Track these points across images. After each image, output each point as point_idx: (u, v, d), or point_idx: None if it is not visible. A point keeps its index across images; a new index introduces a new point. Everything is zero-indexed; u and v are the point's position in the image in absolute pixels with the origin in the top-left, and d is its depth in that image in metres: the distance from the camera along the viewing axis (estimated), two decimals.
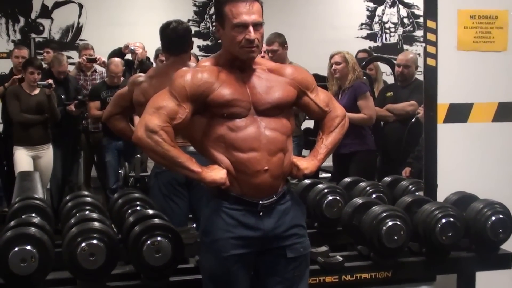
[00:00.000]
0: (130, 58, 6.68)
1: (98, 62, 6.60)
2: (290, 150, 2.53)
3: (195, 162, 2.41)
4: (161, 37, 3.60)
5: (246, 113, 2.44)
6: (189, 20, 8.64)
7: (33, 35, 8.06)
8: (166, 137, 2.35)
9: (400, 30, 9.55)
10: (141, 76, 3.54)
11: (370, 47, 9.23)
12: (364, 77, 5.31)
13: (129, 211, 3.24)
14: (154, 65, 6.14)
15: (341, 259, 3.01)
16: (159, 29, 3.61)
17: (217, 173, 2.41)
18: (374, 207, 3.06)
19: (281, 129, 2.47)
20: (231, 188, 2.43)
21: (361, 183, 3.72)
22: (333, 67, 5.05)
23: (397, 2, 9.56)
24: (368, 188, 3.63)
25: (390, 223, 2.94)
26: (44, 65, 6.27)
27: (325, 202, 3.41)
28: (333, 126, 2.63)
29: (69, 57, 6.70)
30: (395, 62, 5.80)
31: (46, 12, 8.28)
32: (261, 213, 2.45)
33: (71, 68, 6.70)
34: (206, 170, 2.41)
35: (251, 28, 2.37)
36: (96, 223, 2.67)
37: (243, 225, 2.44)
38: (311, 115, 2.71)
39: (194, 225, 3.62)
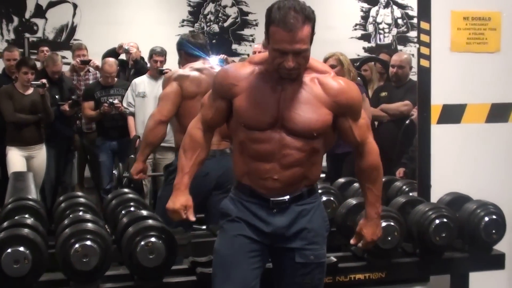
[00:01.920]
0: (124, 58, 6.69)
1: (92, 65, 6.57)
2: (316, 162, 2.49)
3: (183, 178, 2.53)
4: (191, 45, 3.77)
5: (266, 127, 2.40)
6: (183, 20, 8.64)
7: (27, 35, 8.04)
8: (187, 141, 2.57)
9: (394, 31, 9.57)
10: (185, 69, 3.68)
11: (364, 48, 9.25)
12: (359, 78, 5.31)
13: (123, 212, 3.24)
14: (148, 65, 6.14)
15: (335, 259, 3.00)
16: (185, 42, 3.81)
17: (173, 202, 2.51)
18: None
19: (302, 148, 2.40)
20: (247, 181, 2.48)
21: (355, 184, 3.72)
22: None
23: (391, 3, 9.57)
24: None
25: (383, 224, 2.93)
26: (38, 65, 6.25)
27: None
28: (373, 176, 2.54)
29: (63, 57, 6.67)
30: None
31: (40, 12, 8.26)
32: (275, 210, 2.46)
33: (65, 68, 6.68)
34: (175, 191, 2.52)
35: (290, 57, 2.28)
36: (89, 224, 2.66)
37: (254, 215, 2.47)
38: (342, 137, 2.54)
39: (204, 227, 3.67)
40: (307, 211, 2.49)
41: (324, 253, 2.55)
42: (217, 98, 2.51)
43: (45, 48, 6.99)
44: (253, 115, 2.40)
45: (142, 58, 6.52)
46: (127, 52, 6.51)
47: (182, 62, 3.91)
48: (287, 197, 2.45)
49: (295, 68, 2.31)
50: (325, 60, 5.09)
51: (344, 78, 2.53)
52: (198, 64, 3.70)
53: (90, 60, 6.56)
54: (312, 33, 2.34)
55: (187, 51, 3.81)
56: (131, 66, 6.52)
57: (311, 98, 2.39)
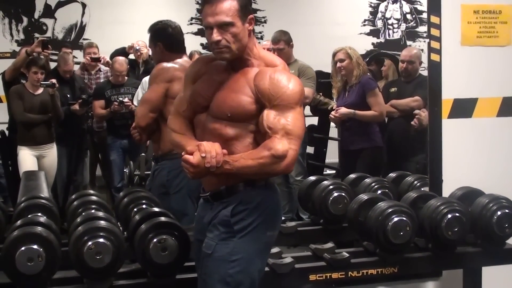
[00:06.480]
0: (133, 57, 6.70)
1: (102, 61, 6.59)
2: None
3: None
4: (167, 37, 3.64)
5: (201, 110, 2.48)
6: (192, 18, 8.65)
7: (36, 35, 8.08)
8: (174, 136, 2.53)
9: (403, 26, 9.55)
10: (177, 71, 3.55)
11: (373, 43, 9.24)
12: (368, 73, 5.30)
13: (135, 209, 3.25)
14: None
15: (347, 255, 3.01)
16: (157, 30, 3.65)
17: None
18: (379, 203, 3.06)
19: (215, 133, 2.38)
20: None
21: (366, 179, 3.72)
22: (337, 65, 5.04)
23: None
24: (373, 184, 3.63)
25: (396, 219, 2.94)
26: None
27: (331, 198, 3.42)
28: (258, 155, 2.29)
29: (73, 56, 6.69)
30: (398, 58, 5.79)
31: (49, 12, 8.30)
32: (214, 204, 2.46)
33: (76, 67, 6.71)
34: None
35: (214, 30, 2.35)
36: (102, 222, 2.67)
37: (199, 213, 2.57)
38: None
39: None
40: (223, 205, 2.43)
41: (213, 246, 2.40)
42: (189, 85, 2.55)
43: (69, 50, 6.98)
44: (194, 95, 2.49)
45: (150, 57, 6.53)
46: (137, 51, 6.53)
47: (156, 56, 3.72)
48: (208, 193, 2.46)
49: (223, 44, 2.35)
50: (334, 54, 5.10)
51: (282, 70, 2.39)
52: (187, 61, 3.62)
53: (100, 57, 6.56)
54: (243, 10, 2.36)
55: (170, 46, 3.65)
56: (141, 65, 6.54)
57: (241, 84, 2.39)
